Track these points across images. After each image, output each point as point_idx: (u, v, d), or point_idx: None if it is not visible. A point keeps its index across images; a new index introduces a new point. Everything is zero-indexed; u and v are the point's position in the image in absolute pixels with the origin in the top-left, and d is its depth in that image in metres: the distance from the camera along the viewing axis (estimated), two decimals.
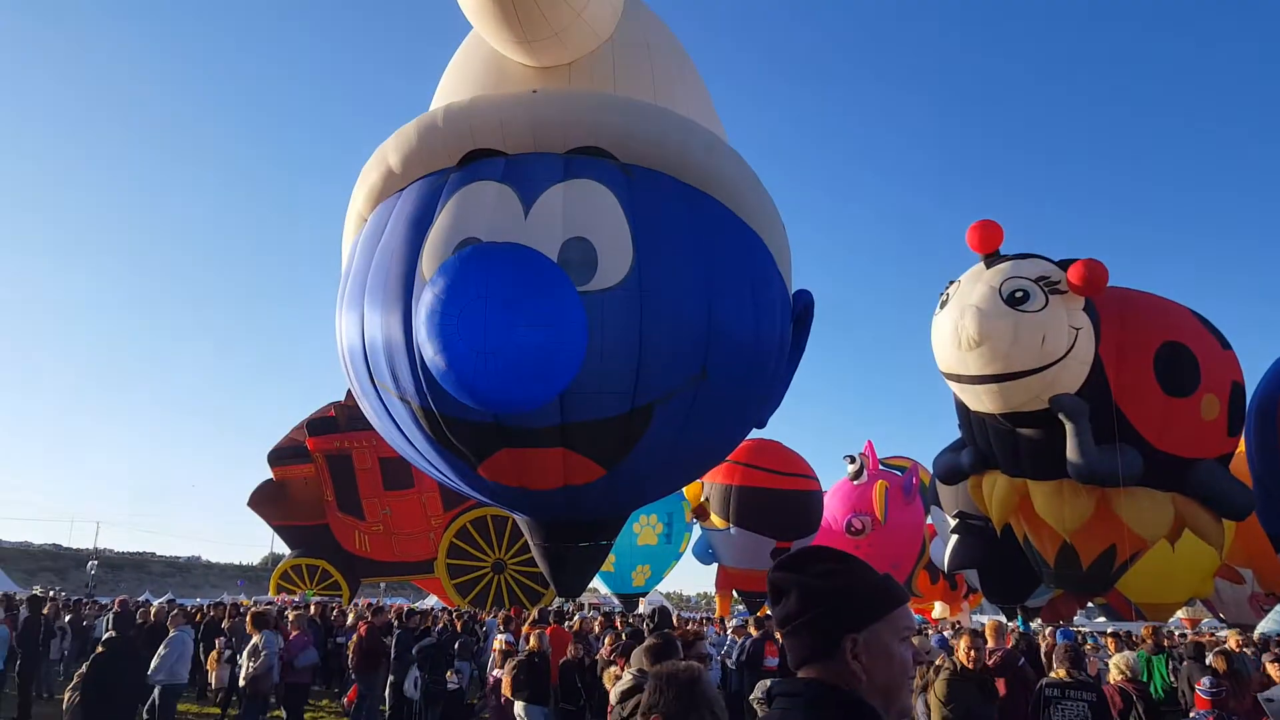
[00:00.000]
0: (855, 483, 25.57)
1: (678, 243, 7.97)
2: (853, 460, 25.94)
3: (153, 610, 14.23)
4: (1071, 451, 10.96)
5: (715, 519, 23.39)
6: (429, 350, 7.19)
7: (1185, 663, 10.53)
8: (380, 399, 8.60)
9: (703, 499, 23.82)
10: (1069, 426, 10.88)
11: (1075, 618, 20.32)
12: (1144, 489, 11.45)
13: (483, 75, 9.30)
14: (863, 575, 1.70)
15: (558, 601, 22.23)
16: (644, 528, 24.39)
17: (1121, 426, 11.05)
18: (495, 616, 18.81)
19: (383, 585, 32.13)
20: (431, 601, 27.85)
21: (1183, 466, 11.55)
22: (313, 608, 17.62)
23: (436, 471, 9.41)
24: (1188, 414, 11.46)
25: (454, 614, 18.60)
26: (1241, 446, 14.39)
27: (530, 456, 8.19)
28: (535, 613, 16.14)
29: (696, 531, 25.04)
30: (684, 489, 22.21)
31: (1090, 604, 25.04)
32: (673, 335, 7.81)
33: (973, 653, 7.66)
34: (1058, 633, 13.59)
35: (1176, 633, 17.18)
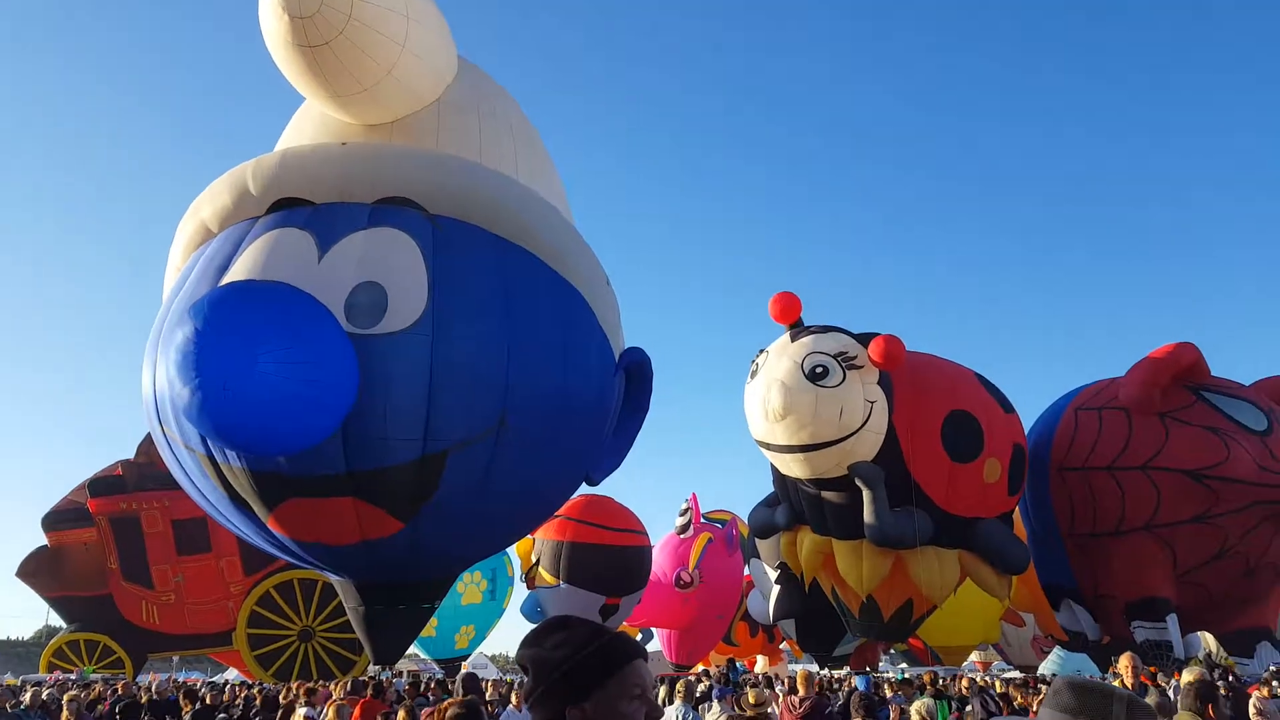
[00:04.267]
0: (682, 536, 26.05)
1: (478, 292, 8.07)
2: (684, 513, 26.48)
3: None
4: (867, 515, 11.77)
5: (545, 575, 23.07)
6: (176, 386, 7.00)
7: (969, 705, 11.31)
8: (172, 450, 8.35)
9: (533, 560, 23.43)
10: (865, 493, 11.71)
11: (879, 664, 21.44)
12: (933, 548, 12.42)
13: (312, 133, 9.42)
14: (587, 643, 1.66)
15: (373, 669, 21.05)
16: (468, 586, 23.72)
17: (913, 491, 11.96)
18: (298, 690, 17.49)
19: (175, 659, 29.28)
20: (231, 675, 25.68)
21: (966, 526, 12.59)
22: (97, 688, 15.76)
23: (234, 526, 9.06)
24: (971, 478, 12.53)
25: (255, 688, 17.17)
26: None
27: (319, 507, 7.95)
28: (348, 683, 15.11)
29: (522, 588, 24.59)
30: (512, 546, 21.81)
31: (892, 650, 26.55)
32: (466, 382, 7.82)
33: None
34: (856, 680, 14.28)
35: (966, 675, 18.46)
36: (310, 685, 16.96)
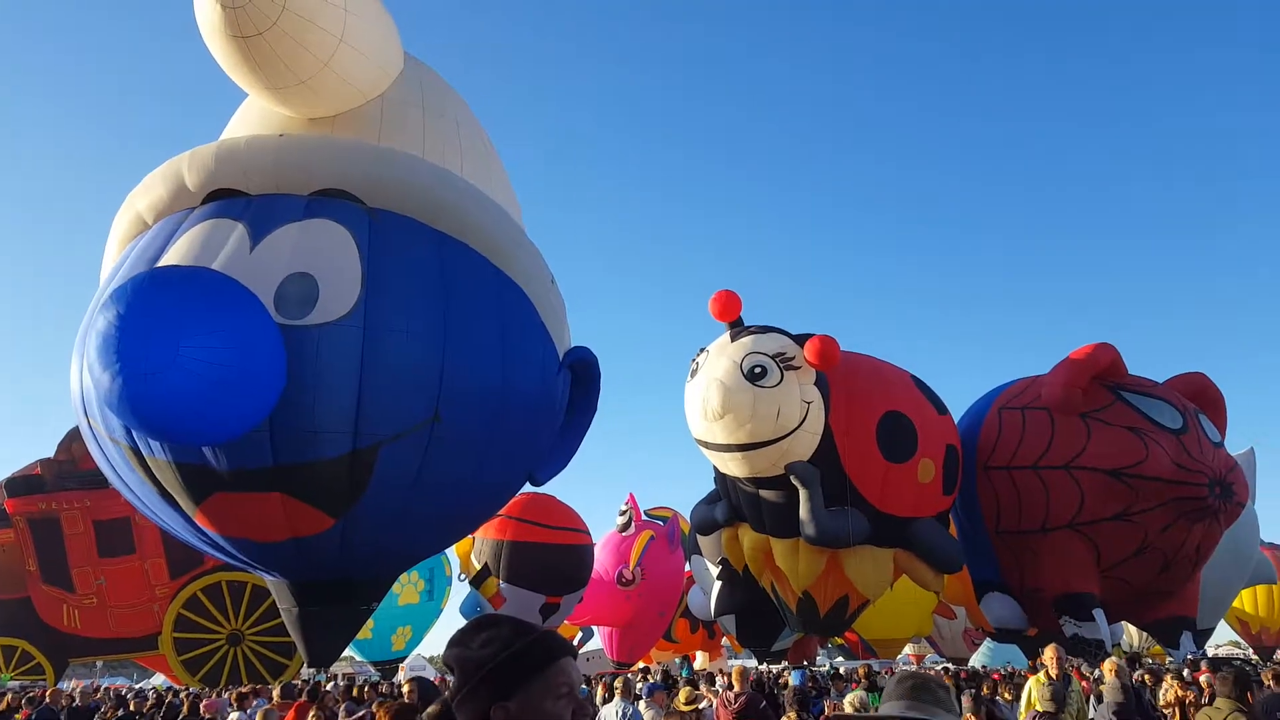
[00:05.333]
0: (624, 534, 26.10)
1: (414, 285, 8.04)
2: (623, 513, 26.53)
3: None
4: (803, 514, 11.98)
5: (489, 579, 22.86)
6: (97, 372, 6.86)
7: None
8: (98, 443, 8.22)
9: (480, 564, 23.19)
10: (801, 492, 11.90)
11: (817, 658, 21.81)
12: (868, 547, 12.66)
13: (255, 127, 9.31)
14: (512, 641, 1.64)
15: (307, 672, 20.61)
16: (405, 586, 23.35)
17: (849, 491, 12.18)
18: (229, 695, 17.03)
19: (99, 665, 28.27)
20: (158, 680, 24.92)
21: (902, 525, 12.86)
22: (7, 698, 15.11)
23: (162, 521, 8.92)
24: (906, 478, 12.78)
25: (180, 694, 16.66)
26: None
27: (246, 503, 7.83)
28: (279, 688, 14.77)
29: (460, 587, 24.33)
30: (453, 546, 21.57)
31: (829, 644, 27.04)
32: (398, 375, 7.78)
33: None
34: (792, 674, 14.52)
35: (901, 668, 18.89)
36: (242, 690, 16.57)
